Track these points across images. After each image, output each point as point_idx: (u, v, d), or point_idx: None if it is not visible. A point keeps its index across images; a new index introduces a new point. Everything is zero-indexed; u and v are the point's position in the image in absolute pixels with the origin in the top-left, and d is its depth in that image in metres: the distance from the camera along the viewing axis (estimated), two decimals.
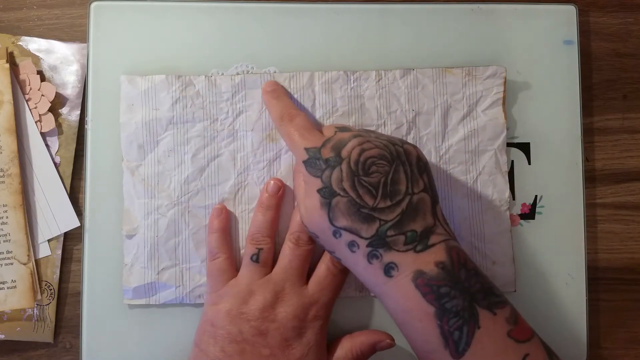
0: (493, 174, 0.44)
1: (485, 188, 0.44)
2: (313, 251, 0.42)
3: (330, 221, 0.36)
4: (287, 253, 0.41)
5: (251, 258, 0.41)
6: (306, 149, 0.38)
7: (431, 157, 0.44)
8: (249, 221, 0.43)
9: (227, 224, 0.43)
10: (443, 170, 0.44)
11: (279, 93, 0.43)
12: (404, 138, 0.44)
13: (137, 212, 0.43)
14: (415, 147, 0.38)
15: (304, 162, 0.38)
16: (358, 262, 0.37)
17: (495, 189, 0.44)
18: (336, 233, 0.37)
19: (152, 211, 0.43)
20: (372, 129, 0.44)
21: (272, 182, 0.43)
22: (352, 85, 0.44)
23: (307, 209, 0.38)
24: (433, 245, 0.36)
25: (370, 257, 0.36)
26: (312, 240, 0.41)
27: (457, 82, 0.44)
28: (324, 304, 0.41)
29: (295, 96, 0.44)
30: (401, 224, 0.36)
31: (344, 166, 0.36)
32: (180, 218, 0.43)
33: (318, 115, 0.44)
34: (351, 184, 0.36)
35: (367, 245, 0.36)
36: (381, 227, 0.36)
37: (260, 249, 0.41)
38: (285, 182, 0.44)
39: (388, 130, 0.44)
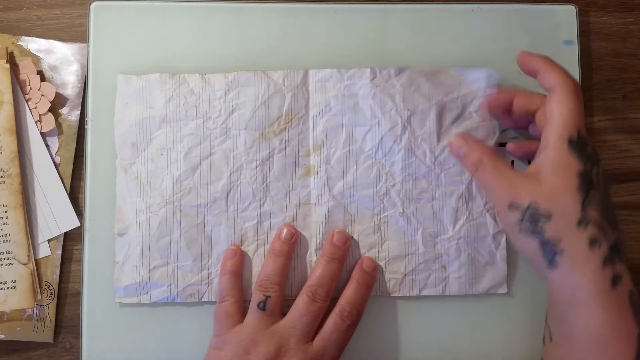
0: None
1: (479, 189, 0.44)
2: (326, 308, 0.41)
3: (584, 208, 0.35)
4: (300, 307, 0.40)
5: (258, 305, 0.40)
6: (578, 130, 0.36)
7: (426, 158, 0.44)
8: (240, 221, 0.43)
9: (240, 266, 0.42)
10: (437, 171, 0.44)
11: None
12: (399, 138, 0.44)
13: (129, 210, 0.43)
14: None
15: (571, 140, 0.36)
16: (591, 260, 0.34)
17: None
18: (582, 222, 0.35)
19: (144, 209, 0.43)
20: (366, 129, 0.44)
21: (285, 228, 0.42)
22: (346, 84, 0.44)
23: (555, 186, 0.36)
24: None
25: (607, 260, 0.34)
26: (328, 296, 0.41)
27: (451, 81, 0.44)
28: None
29: (290, 95, 0.44)
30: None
31: (601, 168, 0.36)
32: (172, 217, 0.43)
33: (312, 114, 0.44)
34: (604, 186, 0.36)
35: (609, 248, 0.35)
36: (619, 235, 0.35)
37: (267, 297, 0.40)
38: (278, 181, 0.43)
39: (382, 130, 0.44)
